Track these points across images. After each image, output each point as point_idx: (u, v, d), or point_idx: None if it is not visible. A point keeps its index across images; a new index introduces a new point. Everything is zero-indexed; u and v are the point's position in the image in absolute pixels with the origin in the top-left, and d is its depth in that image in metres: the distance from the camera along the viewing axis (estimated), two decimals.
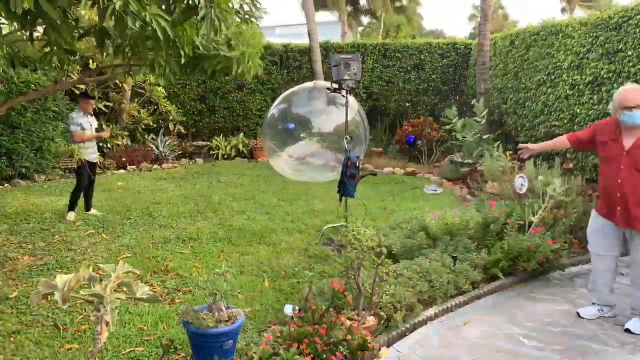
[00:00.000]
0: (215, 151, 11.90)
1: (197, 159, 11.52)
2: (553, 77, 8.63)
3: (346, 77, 5.29)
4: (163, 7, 3.67)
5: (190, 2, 3.57)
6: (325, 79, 12.28)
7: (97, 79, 7.73)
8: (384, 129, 12.76)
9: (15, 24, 3.52)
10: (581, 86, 7.77)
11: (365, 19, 34.46)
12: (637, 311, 3.89)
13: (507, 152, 8.15)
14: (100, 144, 10.42)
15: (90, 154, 6.57)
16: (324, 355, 2.88)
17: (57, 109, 8.99)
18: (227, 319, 2.94)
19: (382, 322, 3.63)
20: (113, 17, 3.27)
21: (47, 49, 4.12)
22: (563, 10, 34.31)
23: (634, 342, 3.66)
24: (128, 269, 2.35)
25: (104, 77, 7.34)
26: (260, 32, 4.52)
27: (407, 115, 12.79)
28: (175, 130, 11.92)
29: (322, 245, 5.43)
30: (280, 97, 6.62)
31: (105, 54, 4.44)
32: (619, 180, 3.76)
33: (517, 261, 4.77)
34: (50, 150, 8.95)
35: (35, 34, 3.84)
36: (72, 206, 6.31)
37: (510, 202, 5.67)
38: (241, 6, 4.10)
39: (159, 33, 3.39)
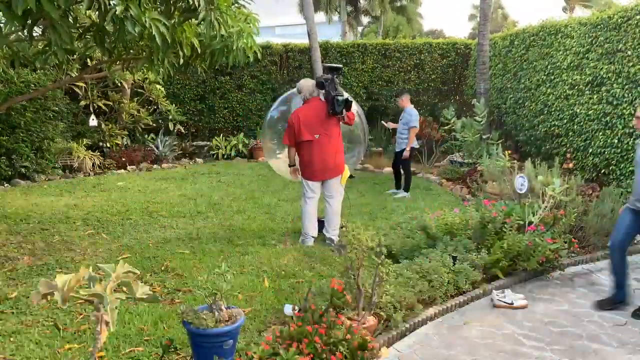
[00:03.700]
0: (215, 151, 11.91)
1: (197, 159, 11.52)
2: (552, 77, 8.63)
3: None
4: (162, 8, 3.68)
5: (190, 2, 3.58)
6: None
7: (96, 76, 7.73)
8: (384, 129, 12.75)
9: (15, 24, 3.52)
10: (581, 86, 7.78)
11: (365, 19, 34.44)
12: None
13: (507, 152, 8.16)
14: (100, 144, 10.44)
15: None
16: (324, 355, 2.88)
17: (57, 108, 8.99)
18: (227, 319, 2.94)
19: (382, 322, 3.64)
20: (113, 22, 3.28)
21: (46, 49, 4.13)
22: (564, 9, 34.32)
23: (634, 342, 3.66)
24: (128, 269, 2.35)
25: (102, 74, 7.35)
26: (254, 14, 4.52)
27: None
28: (175, 130, 11.92)
29: (322, 244, 5.43)
30: (280, 98, 6.62)
31: (103, 52, 4.45)
32: None
33: (517, 261, 4.77)
34: (50, 150, 8.96)
35: (34, 34, 3.84)
36: None
37: (510, 202, 5.67)
38: None
39: (157, 39, 3.40)
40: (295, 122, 5.28)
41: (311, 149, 5.30)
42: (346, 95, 5.27)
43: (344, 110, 5.22)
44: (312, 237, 5.52)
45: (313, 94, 5.37)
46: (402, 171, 8.32)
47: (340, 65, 5.59)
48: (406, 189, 8.19)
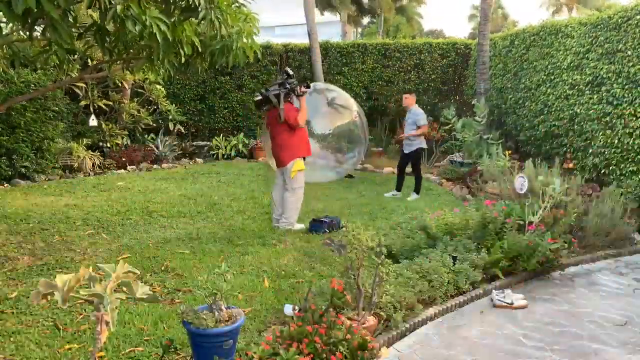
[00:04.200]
0: (215, 151, 11.91)
1: (197, 159, 11.52)
2: (553, 77, 8.63)
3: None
4: (162, 7, 3.68)
5: (190, 1, 3.58)
6: (325, 80, 12.31)
7: (96, 76, 7.73)
8: (384, 129, 12.76)
9: (16, 23, 3.52)
10: (581, 86, 7.78)
11: (365, 19, 34.43)
12: None
13: (507, 152, 8.16)
14: (100, 144, 10.44)
15: None
16: (324, 355, 2.88)
17: (57, 108, 8.99)
18: (227, 319, 2.94)
19: (382, 322, 3.64)
20: (113, 20, 3.27)
21: (47, 48, 4.13)
22: (554, 12, 34.39)
23: (634, 342, 3.66)
24: (128, 269, 2.35)
25: (102, 75, 7.34)
26: (253, 13, 4.53)
27: None
28: (175, 130, 11.92)
29: (322, 245, 5.43)
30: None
31: (103, 52, 4.45)
32: None
33: (517, 261, 4.77)
34: (50, 150, 8.96)
35: (35, 34, 3.84)
36: None
37: (510, 202, 5.67)
38: None
39: (158, 37, 3.40)
40: None
41: (268, 139, 6.41)
42: (259, 98, 6.00)
43: (262, 108, 6.09)
44: (274, 218, 6.18)
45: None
46: (411, 172, 8.13)
47: (289, 72, 6.13)
48: (417, 191, 8.04)
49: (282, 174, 6.14)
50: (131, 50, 4.71)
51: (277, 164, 6.20)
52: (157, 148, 11.03)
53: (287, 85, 5.94)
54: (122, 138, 10.84)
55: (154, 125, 11.50)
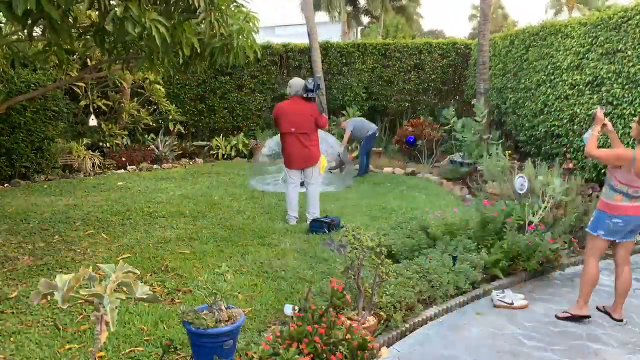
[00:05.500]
0: (215, 151, 11.91)
1: (197, 159, 11.51)
2: (552, 77, 8.63)
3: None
4: (162, 9, 3.68)
5: (190, 2, 3.58)
6: (325, 80, 12.31)
7: (96, 75, 7.73)
8: (383, 129, 12.77)
9: (15, 24, 3.52)
10: (581, 86, 7.78)
11: (365, 19, 34.46)
12: None
13: (507, 152, 8.15)
14: (100, 144, 10.43)
15: None
16: (324, 355, 2.88)
17: (57, 108, 8.99)
18: (227, 319, 2.94)
19: (382, 322, 3.64)
20: (113, 22, 3.28)
21: (46, 48, 4.13)
22: (556, 13, 34.44)
23: (634, 342, 3.66)
24: (128, 269, 2.35)
25: (102, 74, 7.35)
26: (253, 13, 4.54)
27: (407, 115, 12.80)
28: (175, 130, 11.91)
29: (322, 245, 5.43)
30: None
31: (103, 52, 4.46)
32: None
33: (517, 261, 4.77)
34: (50, 150, 8.96)
35: (34, 34, 3.85)
36: None
37: (510, 202, 5.67)
38: None
39: (157, 40, 3.40)
40: (275, 114, 6.19)
41: (290, 141, 6.14)
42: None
43: (309, 94, 6.04)
44: (294, 217, 6.31)
45: (298, 93, 6.08)
46: None
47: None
48: None
49: (302, 172, 6.29)
50: (131, 51, 4.72)
51: (302, 164, 6.22)
52: (157, 148, 11.02)
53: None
54: (122, 138, 10.84)
55: (154, 125, 11.49)
